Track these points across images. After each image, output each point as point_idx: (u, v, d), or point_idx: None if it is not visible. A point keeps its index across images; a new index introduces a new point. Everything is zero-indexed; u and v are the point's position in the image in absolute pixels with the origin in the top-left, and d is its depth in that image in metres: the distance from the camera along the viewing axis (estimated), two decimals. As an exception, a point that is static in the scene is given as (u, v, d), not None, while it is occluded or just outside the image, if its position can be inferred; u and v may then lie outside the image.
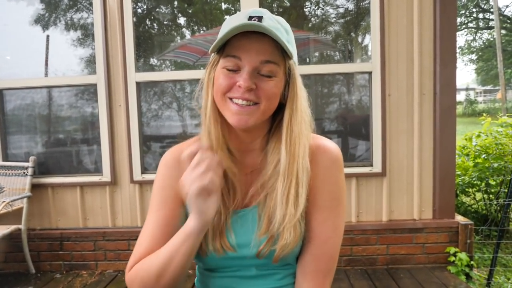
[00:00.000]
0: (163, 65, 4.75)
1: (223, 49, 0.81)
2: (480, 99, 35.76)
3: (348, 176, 2.99)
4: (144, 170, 3.09)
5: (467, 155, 4.14)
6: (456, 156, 3.91)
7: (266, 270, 0.88)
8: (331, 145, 0.89)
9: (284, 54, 0.80)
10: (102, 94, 3.04)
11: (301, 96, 0.85)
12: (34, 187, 3.09)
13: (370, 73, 2.98)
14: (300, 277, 0.87)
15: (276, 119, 0.88)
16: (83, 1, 3.34)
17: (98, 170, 3.15)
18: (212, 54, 0.84)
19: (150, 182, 3.05)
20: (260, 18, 0.78)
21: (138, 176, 3.06)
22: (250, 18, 0.78)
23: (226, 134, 0.86)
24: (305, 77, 3.45)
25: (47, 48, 3.45)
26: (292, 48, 0.80)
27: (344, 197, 0.89)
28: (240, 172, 0.89)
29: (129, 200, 3.10)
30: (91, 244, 3.09)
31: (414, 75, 2.93)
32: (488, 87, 34.80)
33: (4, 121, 3.24)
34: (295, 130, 0.82)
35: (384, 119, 2.95)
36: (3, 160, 3.21)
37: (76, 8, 3.44)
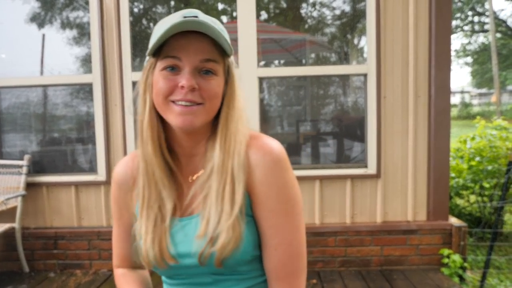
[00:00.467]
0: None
1: (160, 51, 0.78)
2: (475, 101, 35.98)
3: (343, 177, 3.01)
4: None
5: (462, 157, 4.17)
6: (451, 158, 3.94)
7: (223, 276, 0.84)
8: (274, 145, 0.82)
9: (222, 52, 0.80)
10: (97, 94, 3.03)
11: (238, 94, 0.84)
12: (29, 185, 3.08)
13: (365, 75, 2.99)
14: (275, 284, 0.83)
15: (218, 121, 0.85)
16: (79, 0, 3.33)
17: (93, 169, 3.15)
18: (147, 57, 0.82)
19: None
20: (195, 16, 0.76)
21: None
22: (185, 17, 0.75)
23: (168, 139, 0.85)
24: (301, 78, 3.46)
25: (42, 47, 3.44)
26: (229, 46, 0.80)
27: (298, 195, 0.83)
28: (185, 179, 0.87)
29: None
30: (85, 243, 3.08)
31: (409, 78, 2.95)
32: (483, 90, 35.02)
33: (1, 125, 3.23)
34: (231, 127, 0.81)
35: (379, 121, 2.96)
36: (-2, 159, 3.20)
37: (72, 6, 3.43)
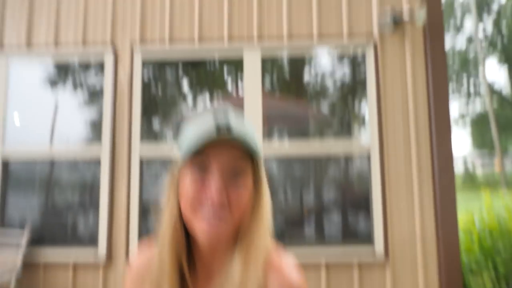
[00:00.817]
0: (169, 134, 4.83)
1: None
2: (478, 169, 35.90)
3: (350, 265, 2.91)
4: (141, 246, 3.00)
5: (471, 234, 4.06)
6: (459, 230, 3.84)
7: None
8: (295, 277, 0.76)
9: (252, 157, 0.76)
10: (105, 169, 3.05)
11: (266, 203, 0.78)
12: (25, 264, 2.97)
13: (368, 152, 3.02)
14: None
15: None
16: (94, 68, 3.45)
17: (93, 244, 3.06)
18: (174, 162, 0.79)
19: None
20: (228, 127, 0.73)
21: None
22: (218, 126, 0.72)
23: (188, 245, 0.80)
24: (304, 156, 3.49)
25: (54, 116, 3.50)
26: (259, 150, 0.76)
27: None
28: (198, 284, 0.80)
29: (123, 281, 2.98)
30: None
31: (412, 154, 2.97)
32: (486, 158, 35.14)
33: (5, 190, 3.22)
34: (255, 241, 0.75)
35: (384, 198, 2.93)
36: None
37: (87, 73, 3.56)
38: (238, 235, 0.77)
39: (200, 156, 0.73)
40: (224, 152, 0.73)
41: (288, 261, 0.80)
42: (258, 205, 0.77)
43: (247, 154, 0.75)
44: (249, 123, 0.79)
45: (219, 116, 0.76)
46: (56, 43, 3.24)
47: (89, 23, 3.27)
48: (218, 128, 0.72)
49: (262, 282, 0.74)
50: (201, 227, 0.72)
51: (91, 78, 3.59)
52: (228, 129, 0.72)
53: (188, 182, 0.74)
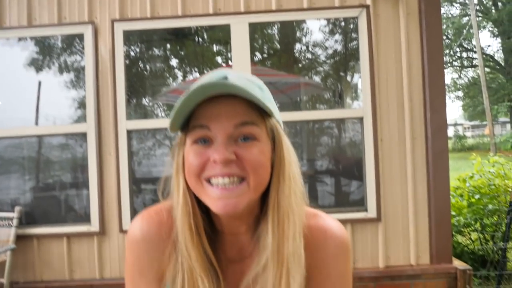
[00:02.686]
0: (156, 107, 4.76)
1: (188, 123, 0.67)
2: (468, 134, 36.39)
3: (343, 222, 2.93)
4: (133, 218, 3.01)
5: (461, 195, 4.13)
6: (450, 196, 3.90)
7: None
8: (336, 227, 0.73)
9: (262, 112, 0.66)
10: (92, 143, 3.00)
11: (290, 162, 0.69)
12: (19, 238, 2.97)
13: (361, 118, 3.00)
14: None
15: (268, 193, 0.70)
16: (77, 46, 3.38)
17: (86, 219, 3.06)
18: (178, 133, 0.71)
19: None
20: (224, 79, 0.64)
21: (127, 225, 2.97)
22: (211, 81, 0.63)
23: (208, 221, 0.71)
24: (296, 123, 3.47)
25: (38, 94, 3.45)
26: (271, 105, 0.67)
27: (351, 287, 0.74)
28: (226, 262, 0.73)
29: (118, 251, 2.99)
30: (77, 298, 2.94)
31: (405, 120, 2.96)
32: (476, 122, 35.53)
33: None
34: (283, 205, 0.66)
35: (377, 164, 2.94)
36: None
37: (70, 51, 3.48)
38: (263, 196, 0.70)
39: (200, 128, 0.64)
40: (224, 108, 0.64)
41: (326, 217, 0.75)
42: (281, 164, 0.68)
43: (255, 109, 0.65)
44: (254, 77, 0.70)
45: (215, 74, 0.67)
46: (34, 20, 3.09)
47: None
48: (212, 83, 0.61)
49: (300, 249, 0.68)
50: (212, 204, 0.65)
51: (74, 56, 3.50)
52: (224, 81, 0.62)
53: (190, 155, 0.65)
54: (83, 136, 3.05)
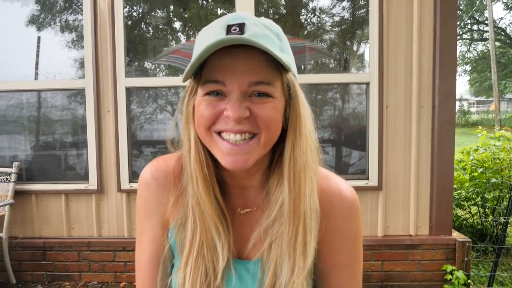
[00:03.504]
0: (157, 69, 4.66)
1: (201, 72, 0.64)
2: (473, 109, 36.06)
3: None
4: (132, 178, 2.98)
5: (464, 169, 4.08)
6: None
7: None
8: (349, 190, 0.73)
9: (279, 66, 0.64)
10: (90, 99, 2.93)
11: (305, 118, 0.67)
12: (18, 193, 2.96)
13: (367, 84, 2.90)
14: None
15: (278, 147, 0.69)
16: (78, 3, 3.24)
17: (84, 178, 3.03)
18: (188, 80, 0.68)
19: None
20: (241, 26, 0.60)
21: (126, 184, 2.94)
22: (229, 27, 0.60)
23: (216, 170, 0.70)
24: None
25: (38, 49, 3.36)
26: (288, 57, 0.64)
27: (361, 248, 0.75)
28: (232, 211, 0.73)
29: (115, 210, 2.99)
30: (75, 254, 2.96)
31: (413, 88, 2.86)
32: (481, 98, 35.09)
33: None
34: (299, 161, 0.65)
35: (381, 131, 2.87)
36: (-14, 165, 3.09)
37: (71, 10, 3.35)
38: (272, 150, 0.69)
39: (213, 83, 0.62)
40: (240, 63, 0.61)
41: (338, 180, 0.75)
42: (297, 120, 0.66)
43: (272, 63, 0.63)
44: (272, 23, 0.65)
45: (232, 17, 0.62)
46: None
47: None
48: (228, 30, 0.59)
49: (317, 207, 0.68)
50: (222, 158, 0.64)
51: (74, 14, 3.37)
52: (240, 31, 0.59)
53: (202, 106, 0.64)
54: (82, 94, 2.97)
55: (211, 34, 0.61)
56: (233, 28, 0.60)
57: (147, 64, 4.19)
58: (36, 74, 3.32)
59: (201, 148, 0.67)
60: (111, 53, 2.89)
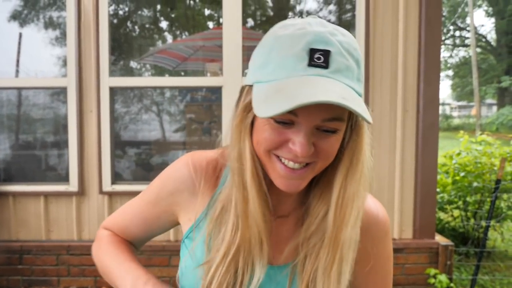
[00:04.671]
0: (143, 69, 4.58)
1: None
2: (455, 114, 36.78)
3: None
4: (115, 180, 2.92)
5: (447, 172, 4.13)
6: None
7: None
8: (383, 210, 0.74)
9: None
10: (72, 99, 2.85)
11: (366, 149, 0.65)
12: (-6, 195, 2.87)
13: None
14: None
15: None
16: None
17: (65, 179, 2.95)
18: (245, 86, 0.65)
19: (121, 193, 2.89)
20: (326, 56, 0.56)
21: (108, 186, 2.87)
22: (312, 54, 0.56)
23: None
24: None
25: (19, 46, 3.27)
26: (361, 86, 0.62)
27: (392, 269, 0.78)
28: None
29: (97, 212, 2.91)
30: (53, 258, 2.87)
31: (398, 92, 2.88)
32: (463, 103, 35.84)
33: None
34: (350, 190, 0.64)
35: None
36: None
37: (55, 6, 3.27)
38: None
39: (286, 114, 0.57)
40: (318, 110, 0.57)
41: (374, 200, 0.76)
42: (357, 149, 0.64)
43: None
44: (354, 45, 0.61)
45: (314, 38, 0.57)
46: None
47: None
48: (311, 58, 0.56)
49: (358, 238, 0.67)
50: (275, 179, 0.64)
51: (59, 11, 3.30)
52: (325, 58, 0.56)
53: (267, 130, 0.61)
54: (65, 93, 2.89)
55: (289, 55, 0.57)
56: (316, 56, 0.56)
57: (133, 64, 4.11)
58: (17, 71, 3.23)
59: (257, 163, 0.66)
60: (94, 51, 2.82)
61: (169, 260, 2.80)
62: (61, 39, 3.25)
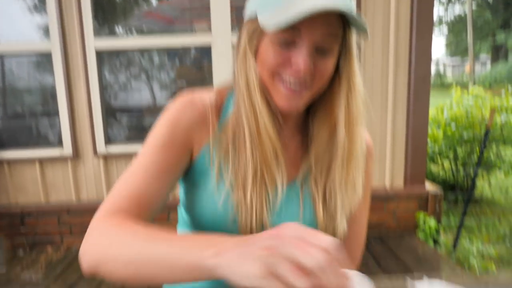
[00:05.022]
0: (128, 33, 4.48)
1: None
2: (448, 72, 36.56)
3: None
4: (108, 141, 2.94)
5: (438, 125, 4.18)
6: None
7: None
8: (367, 134, 0.84)
9: (345, 23, 0.67)
10: (58, 63, 2.81)
11: (357, 69, 0.72)
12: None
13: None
14: None
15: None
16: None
17: (58, 144, 2.96)
18: (249, 15, 0.69)
19: (115, 155, 2.92)
20: None
21: (102, 148, 2.90)
22: None
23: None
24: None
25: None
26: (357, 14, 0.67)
27: None
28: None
29: (93, 174, 2.96)
30: (54, 219, 2.94)
31: (390, 45, 2.86)
32: (457, 61, 35.57)
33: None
34: (354, 110, 0.72)
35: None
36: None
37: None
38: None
39: (292, 29, 0.63)
40: (319, 25, 0.63)
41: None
42: (350, 74, 0.71)
43: (341, 19, 0.66)
44: None
45: None
46: None
47: None
48: (325, 8, 0.59)
49: (365, 151, 0.79)
50: (278, 100, 0.69)
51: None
52: (337, 5, 0.60)
53: (271, 52, 0.66)
54: (50, 61, 2.84)
55: None
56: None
57: (117, 29, 4.02)
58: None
59: (263, 87, 0.71)
60: (77, 14, 2.75)
61: (168, 216, 2.87)
62: (41, 4, 3.15)
